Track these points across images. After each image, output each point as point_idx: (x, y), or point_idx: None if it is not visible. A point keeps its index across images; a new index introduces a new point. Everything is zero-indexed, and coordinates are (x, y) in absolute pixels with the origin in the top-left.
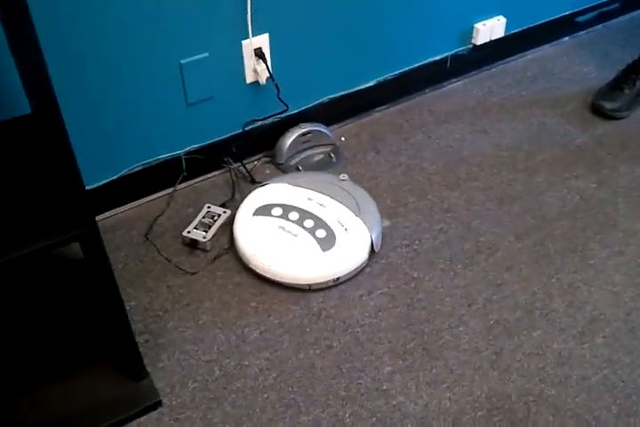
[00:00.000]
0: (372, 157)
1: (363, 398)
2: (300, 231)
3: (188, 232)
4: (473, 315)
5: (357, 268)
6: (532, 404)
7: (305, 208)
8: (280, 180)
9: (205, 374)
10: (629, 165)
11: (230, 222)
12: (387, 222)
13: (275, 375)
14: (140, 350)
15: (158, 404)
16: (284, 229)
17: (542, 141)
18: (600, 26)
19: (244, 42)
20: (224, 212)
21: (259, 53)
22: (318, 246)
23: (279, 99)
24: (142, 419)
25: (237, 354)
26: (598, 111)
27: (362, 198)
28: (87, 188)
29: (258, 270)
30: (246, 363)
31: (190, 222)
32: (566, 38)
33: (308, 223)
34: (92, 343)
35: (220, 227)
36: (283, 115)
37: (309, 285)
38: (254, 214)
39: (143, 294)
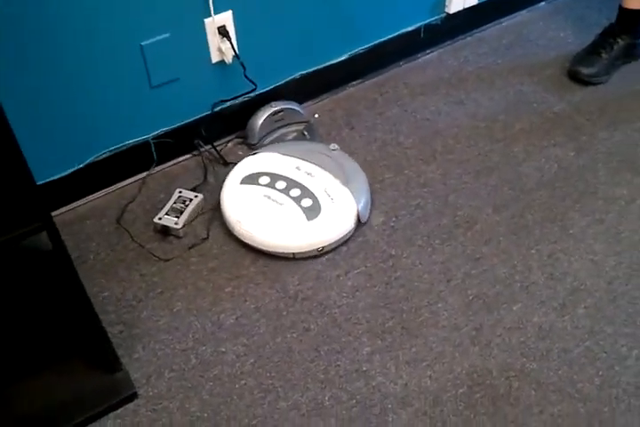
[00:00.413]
0: (347, 134)
1: (342, 380)
2: (286, 200)
3: (160, 219)
4: (452, 291)
5: (342, 238)
6: (514, 379)
7: (292, 177)
8: (271, 149)
9: (181, 362)
10: (608, 131)
11: (201, 208)
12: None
13: (252, 361)
14: (115, 341)
15: (134, 395)
16: (269, 197)
17: (519, 110)
18: None
19: (206, 20)
20: (195, 196)
21: (222, 32)
22: (304, 215)
23: (246, 77)
24: (119, 411)
25: (213, 341)
26: (575, 77)
27: (350, 168)
28: (54, 177)
29: (242, 238)
30: (223, 350)
31: (161, 208)
32: (542, 3)
33: (295, 192)
34: (64, 336)
35: (192, 211)
36: (252, 94)
37: (293, 253)
38: (241, 183)
39: (115, 284)
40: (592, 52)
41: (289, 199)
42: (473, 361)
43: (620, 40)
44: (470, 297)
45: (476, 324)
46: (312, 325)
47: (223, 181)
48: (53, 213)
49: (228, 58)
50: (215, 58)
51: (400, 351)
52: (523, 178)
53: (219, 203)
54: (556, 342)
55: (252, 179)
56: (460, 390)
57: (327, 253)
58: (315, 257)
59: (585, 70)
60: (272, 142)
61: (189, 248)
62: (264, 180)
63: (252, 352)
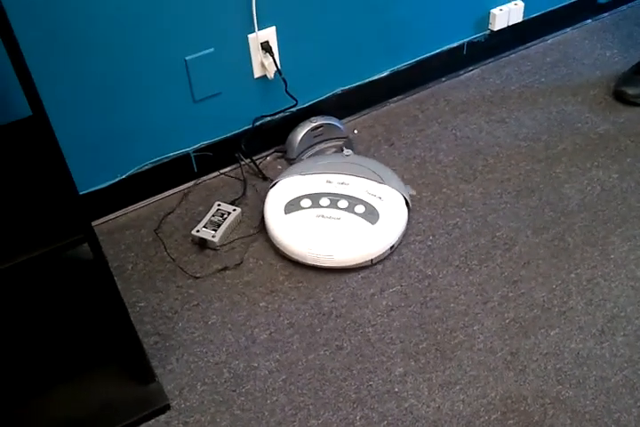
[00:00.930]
0: (386, 151)
1: (373, 400)
2: (340, 214)
3: (197, 231)
4: (488, 313)
5: (403, 232)
6: (549, 406)
7: (330, 191)
8: (288, 173)
9: (214, 376)
10: None
11: (239, 221)
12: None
13: (284, 377)
14: (149, 352)
15: (167, 407)
16: (323, 216)
17: (562, 130)
18: (624, 7)
19: (250, 36)
20: (234, 209)
21: (266, 47)
22: (366, 222)
23: (287, 93)
24: (151, 422)
25: (246, 356)
26: (621, 98)
27: (376, 167)
28: (96, 188)
29: (318, 264)
30: (255, 365)
31: (200, 221)
32: (588, 21)
33: (343, 204)
34: (100, 346)
35: (230, 225)
36: (293, 108)
37: (372, 260)
38: (286, 213)
39: (152, 295)
40: (638, 71)
41: (342, 212)
42: (507, 386)
43: None
44: (507, 320)
45: (511, 348)
46: (345, 343)
47: (263, 197)
48: (95, 223)
49: (270, 73)
50: (257, 73)
51: (433, 374)
52: (564, 200)
53: (260, 224)
54: (593, 369)
55: (293, 206)
56: (494, 416)
57: (365, 268)
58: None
59: (630, 90)
60: (311, 157)
61: (223, 269)
62: (306, 203)
63: (285, 368)
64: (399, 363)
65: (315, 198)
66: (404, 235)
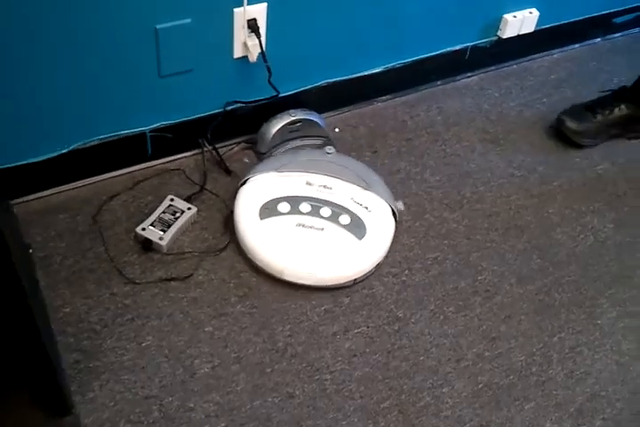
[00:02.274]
0: (369, 158)
1: None
2: (324, 223)
3: (143, 229)
4: (460, 374)
5: (388, 248)
6: None
7: (311, 195)
8: (263, 169)
9: (141, 414)
10: None
11: (192, 222)
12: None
13: (223, 425)
14: (69, 372)
15: None
16: (304, 226)
17: (560, 163)
18: (637, 29)
19: (236, 10)
20: (189, 208)
21: (252, 26)
22: (352, 235)
23: (270, 84)
24: None
25: (182, 392)
26: (559, 128)
27: (361, 170)
28: (32, 160)
29: (296, 280)
30: (191, 405)
31: (147, 215)
32: (598, 39)
33: (326, 212)
34: (6, 368)
35: (182, 226)
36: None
37: (355, 279)
38: (262, 218)
39: (80, 300)
40: (589, 108)
41: (325, 221)
42: None
43: (622, 107)
44: (480, 385)
45: (482, 420)
46: (297, 390)
47: (223, 194)
48: (25, 199)
49: (253, 55)
50: (238, 53)
51: None
52: (554, 246)
53: (221, 228)
54: None
55: (269, 210)
56: None
57: (329, 299)
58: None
59: (571, 124)
60: (288, 151)
61: (168, 279)
62: (284, 207)
63: (225, 414)
64: (356, 423)
65: (294, 203)
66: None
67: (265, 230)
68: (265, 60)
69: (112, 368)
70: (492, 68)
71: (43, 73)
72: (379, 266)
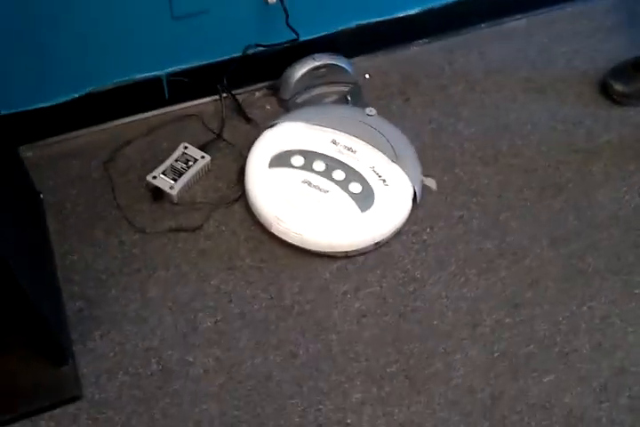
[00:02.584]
0: (398, 107)
1: None
2: (330, 186)
3: (154, 178)
4: (476, 341)
5: (398, 229)
6: None
7: (331, 155)
8: (293, 117)
9: (140, 366)
10: None
11: (206, 171)
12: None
13: (221, 382)
14: (72, 319)
15: (77, 398)
16: (310, 184)
17: (611, 117)
18: None
19: None
20: (202, 157)
21: None
22: (355, 206)
23: (288, 25)
24: (57, 411)
25: (182, 346)
26: (606, 92)
27: (395, 139)
28: (45, 104)
29: (282, 237)
30: (190, 360)
31: (161, 163)
32: None
33: (338, 175)
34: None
35: (195, 175)
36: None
37: (347, 252)
38: (270, 166)
39: (88, 248)
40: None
41: (333, 185)
42: None
43: None
44: (496, 354)
45: (494, 391)
46: (301, 350)
47: (242, 143)
48: (40, 144)
49: None
50: None
51: (396, 408)
52: (594, 208)
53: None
54: None
55: (282, 160)
56: None
57: (339, 262)
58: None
59: (618, 87)
60: (307, 101)
61: (177, 230)
62: (297, 160)
63: (224, 370)
64: (359, 387)
65: (310, 158)
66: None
67: (268, 179)
68: (282, 0)
69: (114, 318)
70: (543, 10)
71: (53, 16)
72: (378, 244)
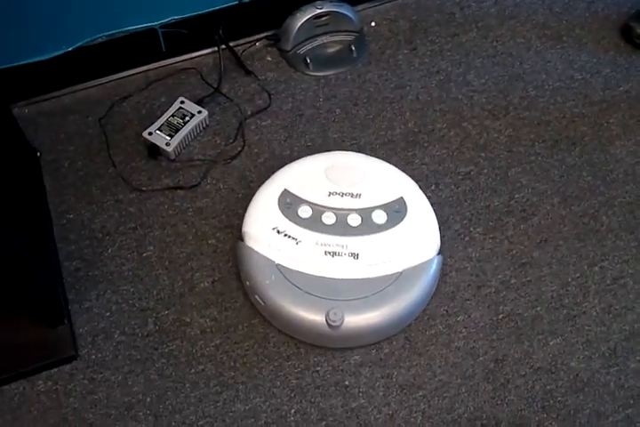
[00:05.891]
0: (405, 56)
1: (316, 392)
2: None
3: (150, 134)
4: (480, 302)
5: None
6: None
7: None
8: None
9: (136, 326)
10: None
11: (203, 127)
12: None
13: (217, 342)
14: (68, 280)
15: (74, 358)
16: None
17: (632, 65)
18: None
19: None
20: (199, 112)
21: None
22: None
23: None
24: (53, 371)
25: (179, 306)
26: (629, 36)
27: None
28: (36, 59)
29: None
30: (187, 320)
31: (158, 118)
32: None
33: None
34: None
35: (191, 131)
36: None
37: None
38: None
39: (85, 207)
40: None
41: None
42: (481, 403)
43: None
44: (500, 316)
45: (497, 353)
46: None
47: (240, 97)
48: (35, 99)
49: None
50: None
51: (395, 370)
52: (610, 163)
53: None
54: (590, 400)
55: None
56: None
57: None
58: None
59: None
60: (308, 53)
61: (174, 188)
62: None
63: (220, 331)
64: (357, 348)
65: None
66: None
67: None
68: None
69: (111, 278)
70: None
71: None
72: None
